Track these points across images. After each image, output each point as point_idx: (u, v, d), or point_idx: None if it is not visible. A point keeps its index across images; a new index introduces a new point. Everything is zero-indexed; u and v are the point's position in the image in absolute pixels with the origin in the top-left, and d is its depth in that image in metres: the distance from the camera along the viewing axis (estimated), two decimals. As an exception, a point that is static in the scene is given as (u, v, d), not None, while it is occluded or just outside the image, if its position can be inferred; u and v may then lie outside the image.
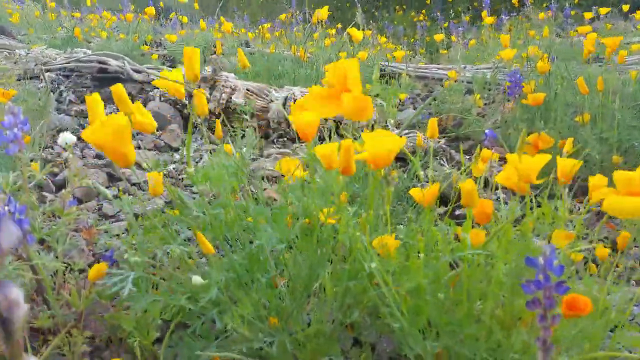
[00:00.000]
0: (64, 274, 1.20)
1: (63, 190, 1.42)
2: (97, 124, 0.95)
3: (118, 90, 1.29)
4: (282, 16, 4.57)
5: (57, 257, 1.09)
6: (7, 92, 1.79)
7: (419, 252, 1.07)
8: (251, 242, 1.21)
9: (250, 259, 1.19)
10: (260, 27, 4.70)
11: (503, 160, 2.81)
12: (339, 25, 9.05)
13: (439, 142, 2.37)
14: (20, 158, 1.19)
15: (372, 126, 2.56)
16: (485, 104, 3.45)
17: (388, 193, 1.24)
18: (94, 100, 1.06)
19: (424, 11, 9.03)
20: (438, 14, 7.34)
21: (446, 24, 7.07)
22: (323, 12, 3.52)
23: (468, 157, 2.56)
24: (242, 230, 1.24)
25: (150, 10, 3.54)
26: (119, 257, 1.33)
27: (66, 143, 1.24)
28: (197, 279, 0.95)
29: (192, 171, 1.05)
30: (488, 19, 5.20)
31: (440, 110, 3.08)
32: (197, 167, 1.30)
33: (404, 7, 10.07)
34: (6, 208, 1.03)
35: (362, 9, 10.85)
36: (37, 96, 2.32)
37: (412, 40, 7.41)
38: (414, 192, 1.25)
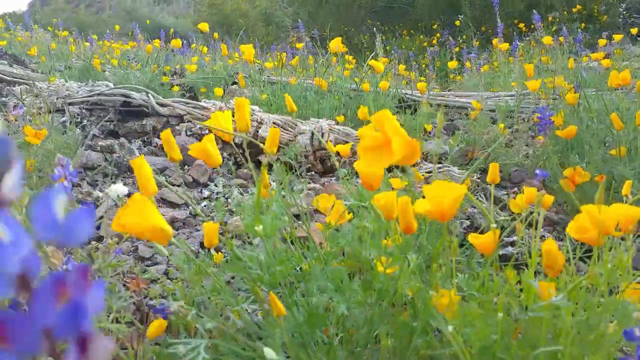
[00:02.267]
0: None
1: (107, 239, 1.36)
2: (124, 214, 0.89)
3: (167, 135, 1.27)
4: (298, 45, 4.54)
5: (117, 319, 1.03)
6: (40, 133, 1.74)
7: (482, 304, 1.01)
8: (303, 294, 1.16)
9: (310, 316, 1.13)
10: (278, 55, 4.67)
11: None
12: (344, 50, 9.10)
13: (473, 176, 2.32)
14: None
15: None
16: (510, 132, 3.40)
17: (454, 246, 1.18)
18: (141, 165, 1.01)
19: (437, 35, 9.06)
20: (450, 38, 7.35)
21: (457, 49, 7.09)
22: (336, 44, 3.50)
23: (505, 192, 2.51)
24: (298, 283, 1.19)
25: (177, 42, 3.53)
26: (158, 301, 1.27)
27: (117, 195, 1.19)
28: (270, 354, 0.89)
29: (260, 230, 0.99)
30: (503, 45, 5.19)
31: (466, 140, 3.04)
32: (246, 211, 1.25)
33: (412, 31, 10.12)
34: (65, 267, 0.97)
35: (368, 34, 10.87)
36: (63, 132, 2.29)
37: (424, 66, 7.42)
38: (473, 239, 1.19)
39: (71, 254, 1.05)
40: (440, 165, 2.36)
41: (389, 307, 1.18)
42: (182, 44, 4.15)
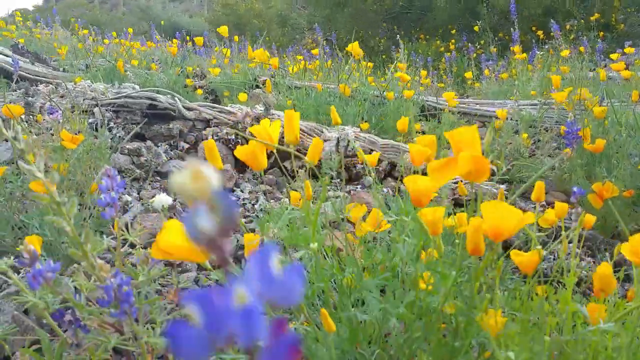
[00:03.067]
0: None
1: (140, 249, 1.36)
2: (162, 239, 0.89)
3: (210, 145, 1.28)
4: (314, 51, 4.53)
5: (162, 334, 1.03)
6: (76, 138, 1.75)
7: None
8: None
9: (354, 333, 1.13)
10: (296, 59, 4.67)
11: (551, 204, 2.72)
12: (362, 53, 9.09)
13: (500, 186, 2.30)
14: (115, 221, 1.14)
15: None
16: (533, 143, 3.38)
17: (499, 266, 1.17)
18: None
19: (453, 41, 9.02)
20: (468, 45, 7.31)
21: (475, 55, 7.05)
22: (355, 49, 3.49)
23: (532, 205, 2.48)
24: (344, 297, 1.18)
25: (199, 41, 3.53)
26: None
27: (162, 206, 1.19)
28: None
29: (315, 247, 0.98)
30: (521, 55, 5.16)
31: (490, 150, 3.02)
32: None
33: (428, 37, 10.08)
34: (113, 280, 0.97)
35: (384, 37, 10.83)
36: (91, 134, 2.29)
37: (441, 72, 7.39)
38: (516, 257, 1.17)
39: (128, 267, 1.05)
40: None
41: (430, 325, 1.17)
42: (201, 43, 4.15)
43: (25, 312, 1.45)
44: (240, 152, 1.24)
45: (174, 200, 2.06)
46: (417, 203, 1.14)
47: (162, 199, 1.22)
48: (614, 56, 4.98)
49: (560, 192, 2.71)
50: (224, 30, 3.41)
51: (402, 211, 1.33)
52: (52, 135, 1.99)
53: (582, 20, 8.43)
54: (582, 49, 5.23)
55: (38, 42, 6.33)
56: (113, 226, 1.89)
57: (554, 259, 1.89)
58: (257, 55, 2.83)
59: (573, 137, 2.53)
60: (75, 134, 1.75)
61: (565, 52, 5.23)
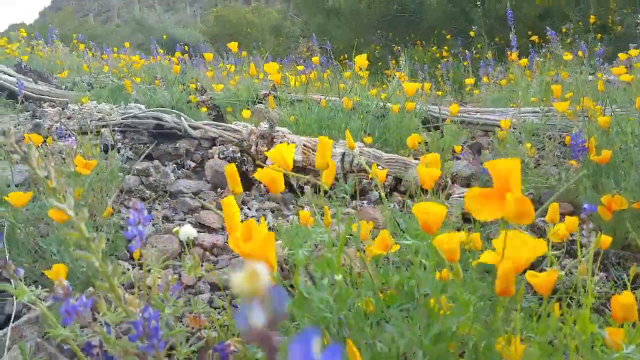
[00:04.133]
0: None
1: (158, 272, 1.38)
2: (240, 236, 0.91)
3: (231, 170, 1.31)
4: (314, 59, 4.56)
5: None
6: (89, 163, 1.77)
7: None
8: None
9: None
10: (295, 68, 4.68)
11: (569, 216, 2.73)
12: (366, 64, 9.13)
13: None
14: (143, 254, 1.16)
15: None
16: (536, 149, 3.39)
17: (520, 293, 1.19)
18: (230, 204, 1.03)
19: (445, 47, 9.07)
20: (465, 52, 7.36)
21: (472, 59, 7.09)
22: (361, 61, 3.52)
23: (541, 219, 2.50)
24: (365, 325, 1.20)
25: (208, 55, 3.56)
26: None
27: (188, 237, 1.21)
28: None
29: (340, 279, 1.00)
30: (522, 61, 5.20)
31: (493, 157, 3.04)
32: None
33: (423, 42, 10.14)
34: (141, 315, 0.99)
35: (380, 44, 10.84)
36: (102, 156, 2.31)
37: (439, 79, 7.43)
38: (532, 278, 1.19)
39: (149, 302, 1.07)
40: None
41: (448, 350, 1.19)
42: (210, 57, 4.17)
43: (44, 336, 1.46)
44: (260, 175, 1.27)
45: (198, 232, 2.08)
46: (427, 231, 1.16)
47: (187, 231, 1.24)
48: (622, 56, 4.96)
49: (567, 203, 2.72)
50: (233, 46, 3.44)
51: (417, 236, 1.35)
52: (64, 159, 2.00)
53: (580, 23, 8.48)
54: (580, 53, 5.27)
55: (40, 59, 6.35)
56: (132, 255, 1.91)
57: (565, 275, 1.91)
58: (269, 69, 2.86)
59: (579, 149, 2.55)
60: (88, 159, 1.76)
61: (567, 56, 5.25)
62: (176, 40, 17.21)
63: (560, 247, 2.19)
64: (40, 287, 1.60)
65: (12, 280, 1.18)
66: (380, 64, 10.54)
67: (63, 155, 2.00)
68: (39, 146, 1.79)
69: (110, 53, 7.55)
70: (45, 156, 1.80)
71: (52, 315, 1.11)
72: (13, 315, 1.42)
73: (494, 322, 1.17)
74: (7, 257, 1.47)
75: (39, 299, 1.56)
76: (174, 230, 1.28)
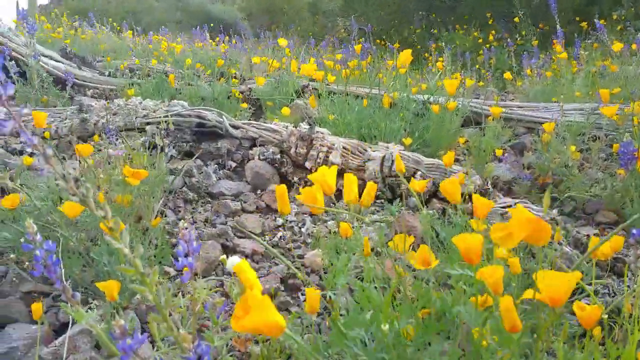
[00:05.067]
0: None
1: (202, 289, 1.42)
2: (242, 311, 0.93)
3: (281, 191, 1.35)
4: (357, 48, 4.50)
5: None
6: (138, 173, 1.82)
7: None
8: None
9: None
10: (330, 54, 4.65)
11: (613, 225, 2.66)
12: (397, 45, 8.99)
13: (551, 216, 2.28)
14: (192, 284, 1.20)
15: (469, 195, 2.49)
16: (579, 150, 3.30)
17: (564, 330, 1.19)
18: (245, 269, 1.06)
19: (493, 32, 8.82)
20: (508, 40, 7.15)
21: (515, 47, 6.88)
22: (405, 57, 3.45)
23: (582, 222, 2.46)
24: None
25: (283, 42, 3.57)
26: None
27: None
28: None
29: (386, 329, 1.01)
30: (562, 55, 5.03)
31: (538, 166, 2.98)
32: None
33: (465, 26, 9.89)
34: (194, 350, 1.03)
35: (420, 27, 10.63)
36: (146, 154, 2.36)
37: (478, 67, 7.25)
38: (578, 310, 1.17)
39: (202, 333, 1.11)
40: (517, 200, 2.33)
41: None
42: (236, 37, 4.15)
43: (97, 346, 1.54)
44: (303, 196, 1.31)
45: (239, 237, 2.13)
46: (469, 261, 1.16)
47: (234, 261, 1.27)
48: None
49: (611, 212, 2.66)
50: (283, 42, 3.45)
51: (466, 266, 1.35)
52: (112, 165, 2.06)
53: (632, 9, 8.11)
54: (634, 46, 5.05)
55: (83, 42, 6.48)
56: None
57: (608, 295, 1.88)
58: (306, 70, 2.86)
59: (628, 157, 2.48)
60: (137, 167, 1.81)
61: (617, 46, 5.03)
62: (214, 17, 17.26)
63: (605, 265, 2.15)
64: (90, 297, 1.67)
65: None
66: (419, 47, 10.35)
67: (110, 161, 2.06)
68: (88, 156, 1.85)
69: (152, 35, 7.64)
70: (95, 168, 1.86)
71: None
72: (70, 324, 1.49)
73: (537, 355, 1.17)
74: (62, 271, 1.53)
75: (90, 308, 1.64)
76: (221, 258, 1.31)
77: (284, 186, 1.41)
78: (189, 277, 1.20)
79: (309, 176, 1.40)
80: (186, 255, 1.18)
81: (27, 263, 1.74)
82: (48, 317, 1.63)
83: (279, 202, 1.41)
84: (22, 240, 1.61)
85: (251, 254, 2.06)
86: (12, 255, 1.70)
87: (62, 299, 1.65)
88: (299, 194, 2.77)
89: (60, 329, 1.59)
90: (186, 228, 1.62)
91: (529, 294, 1.08)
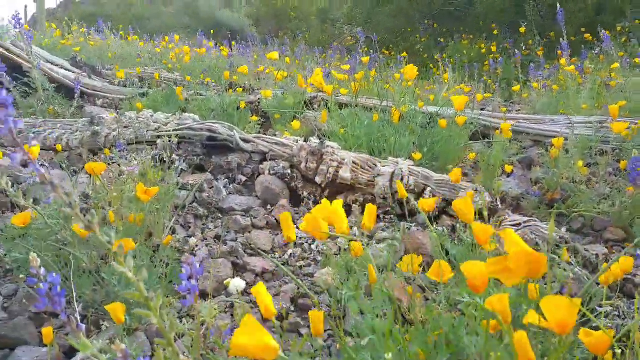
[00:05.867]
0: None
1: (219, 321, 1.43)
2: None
3: (285, 217, 1.36)
4: (365, 59, 4.52)
5: None
6: (150, 190, 1.83)
7: None
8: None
9: None
10: (345, 73, 4.65)
11: (621, 243, 2.65)
12: (405, 54, 9.01)
13: (560, 234, 2.28)
14: (195, 308, 1.21)
15: (480, 212, 2.50)
16: (587, 165, 3.30)
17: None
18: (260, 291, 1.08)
19: (494, 43, 8.84)
20: (515, 50, 7.15)
21: (522, 55, 6.88)
22: (411, 72, 3.46)
23: (590, 239, 2.46)
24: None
25: (273, 55, 3.58)
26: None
27: (237, 290, 1.25)
28: None
29: (390, 357, 1.02)
30: (570, 68, 5.03)
31: (547, 182, 2.98)
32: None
33: (471, 36, 9.90)
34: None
35: (426, 36, 10.67)
36: (155, 168, 2.38)
37: (487, 79, 7.25)
38: (585, 337, 1.17)
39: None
40: (526, 219, 2.33)
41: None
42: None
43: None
44: (305, 225, 1.33)
45: (249, 254, 2.14)
46: (475, 290, 1.17)
47: (236, 283, 1.28)
48: None
49: (619, 229, 2.66)
50: (273, 55, 3.48)
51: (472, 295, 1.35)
52: (123, 180, 2.07)
53: (637, 20, 8.11)
54: (637, 60, 5.06)
55: (92, 49, 6.53)
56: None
57: (618, 316, 1.88)
58: (314, 81, 2.87)
59: (637, 174, 2.48)
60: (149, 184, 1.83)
61: (615, 65, 5.06)
62: (222, 24, 17.35)
63: (615, 285, 2.15)
64: (101, 319, 1.68)
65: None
66: (425, 56, 10.37)
67: (122, 175, 2.07)
68: (102, 175, 1.86)
69: (160, 41, 7.68)
70: (107, 185, 1.87)
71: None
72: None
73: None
74: (74, 293, 1.55)
75: (101, 330, 1.65)
76: (225, 282, 1.32)
77: (288, 213, 1.42)
78: (192, 301, 1.21)
79: (310, 214, 1.40)
80: (189, 278, 1.19)
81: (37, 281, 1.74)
82: (58, 338, 1.63)
83: (284, 229, 1.42)
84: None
85: (261, 272, 2.07)
86: (21, 276, 1.71)
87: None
88: (309, 209, 2.78)
89: (69, 351, 1.59)
90: (192, 253, 1.61)
91: (532, 316, 1.08)
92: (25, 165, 2.82)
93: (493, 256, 1.77)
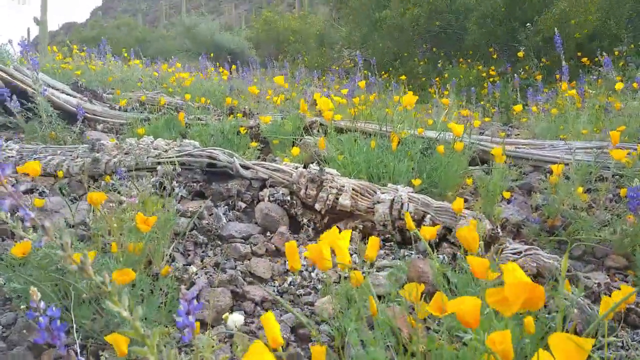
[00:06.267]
0: None
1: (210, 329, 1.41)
2: None
3: (291, 247, 1.37)
4: (361, 84, 4.55)
5: None
6: (150, 220, 1.83)
7: None
8: None
9: None
10: (344, 97, 4.68)
11: (622, 270, 2.64)
12: (404, 77, 9.09)
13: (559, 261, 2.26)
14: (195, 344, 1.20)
15: (487, 242, 2.49)
16: (587, 190, 3.30)
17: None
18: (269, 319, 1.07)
19: (492, 67, 8.93)
20: (514, 75, 7.22)
21: (515, 82, 6.95)
22: (409, 100, 3.49)
23: (591, 266, 2.44)
24: None
25: (280, 80, 3.59)
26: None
27: (235, 325, 1.24)
28: None
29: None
30: (571, 92, 5.08)
31: (546, 209, 2.97)
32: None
33: (469, 60, 10.00)
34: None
35: (424, 59, 10.77)
36: (156, 195, 2.37)
37: (485, 103, 7.31)
38: None
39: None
40: (527, 247, 2.32)
41: None
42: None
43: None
44: (310, 253, 1.33)
45: (248, 283, 2.13)
46: (467, 326, 1.16)
47: (235, 318, 1.27)
48: None
49: (620, 256, 2.65)
50: (280, 80, 3.50)
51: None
52: (123, 208, 2.07)
53: (632, 45, 8.22)
54: (635, 85, 5.10)
55: (93, 73, 6.59)
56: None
57: (622, 347, 1.86)
58: (320, 104, 2.89)
59: (637, 202, 2.49)
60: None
61: (619, 85, 5.08)
62: (223, 47, 17.54)
63: (618, 314, 2.13)
64: (100, 349, 1.66)
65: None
66: (423, 79, 10.46)
67: (123, 204, 2.07)
68: (96, 187, 1.86)
69: (160, 64, 7.74)
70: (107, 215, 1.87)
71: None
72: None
73: None
74: (74, 324, 1.54)
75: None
76: (224, 316, 1.31)
77: (294, 243, 1.42)
78: (191, 337, 1.20)
79: (310, 246, 1.40)
80: (187, 314, 1.18)
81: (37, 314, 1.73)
82: (56, 369, 1.62)
83: (289, 259, 1.42)
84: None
85: (261, 301, 2.05)
86: (22, 307, 1.69)
87: None
88: (308, 236, 2.77)
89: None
90: (191, 281, 1.60)
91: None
92: (25, 192, 2.82)
93: (492, 286, 1.76)
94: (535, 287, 0.98)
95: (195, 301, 1.22)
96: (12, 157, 3.04)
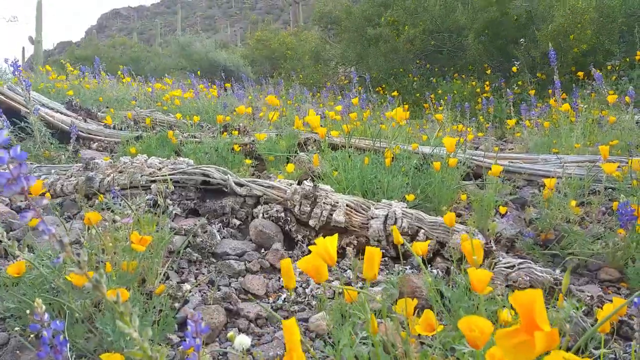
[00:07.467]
0: None
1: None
2: None
3: (286, 265, 1.37)
4: (355, 101, 4.58)
5: None
6: (145, 239, 1.83)
7: None
8: None
9: None
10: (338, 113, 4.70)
11: (615, 283, 2.64)
12: (395, 93, 9.16)
13: (553, 275, 2.27)
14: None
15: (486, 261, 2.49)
16: (580, 204, 3.32)
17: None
18: (291, 327, 1.06)
19: (487, 83, 9.01)
20: (505, 87, 7.29)
21: (513, 94, 7.01)
22: (401, 115, 3.52)
23: (584, 279, 2.45)
24: None
25: (273, 100, 3.60)
26: None
27: (242, 348, 1.24)
28: None
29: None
30: (565, 106, 5.13)
31: (539, 223, 2.99)
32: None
33: (463, 76, 10.10)
34: None
35: (418, 75, 10.85)
36: (150, 213, 2.37)
37: (479, 117, 7.36)
38: None
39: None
40: (520, 260, 2.33)
41: None
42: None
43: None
44: (303, 264, 1.33)
45: (242, 300, 2.12)
46: (474, 346, 1.15)
47: (242, 341, 1.27)
48: None
49: (613, 269, 2.66)
50: (274, 100, 3.53)
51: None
52: (116, 226, 2.07)
53: (626, 59, 8.31)
54: (627, 99, 5.15)
55: (87, 92, 6.61)
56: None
57: (615, 359, 1.86)
58: (310, 121, 2.91)
59: (627, 217, 2.51)
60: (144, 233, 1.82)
61: (612, 98, 5.13)
62: (218, 64, 17.65)
63: (611, 326, 2.13)
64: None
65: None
66: (417, 95, 10.54)
67: (116, 224, 2.07)
68: (90, 206, 1.86)
69: (154, 82, 7.78)
70: (103, 232, 1.87)
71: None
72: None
73: None
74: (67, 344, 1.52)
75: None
76: (229, 335, 1.31)
77: (289, 261, 1.42)
78: (196, 358, 1.19)
79: (310, 247, 1.41)
80: (194, 337, 1.18)
81: (31, 336, 1.72)
82: (50, 389, 1.60)
83: (284, 278, 1.42)
84: (27, 312, 1.61)
85: (255, 318, 2.05)
86: (16, 328, 1.68)
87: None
88: (303, 252, 2.77)
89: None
90: (185, 299, 1.60)
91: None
92: (18, 210, 2.82)
93: (486, 300, 1.77)
94: (552, 335, 0.94)
95: (202, 324, 1.22)
96: (6, 176, 3.03)
